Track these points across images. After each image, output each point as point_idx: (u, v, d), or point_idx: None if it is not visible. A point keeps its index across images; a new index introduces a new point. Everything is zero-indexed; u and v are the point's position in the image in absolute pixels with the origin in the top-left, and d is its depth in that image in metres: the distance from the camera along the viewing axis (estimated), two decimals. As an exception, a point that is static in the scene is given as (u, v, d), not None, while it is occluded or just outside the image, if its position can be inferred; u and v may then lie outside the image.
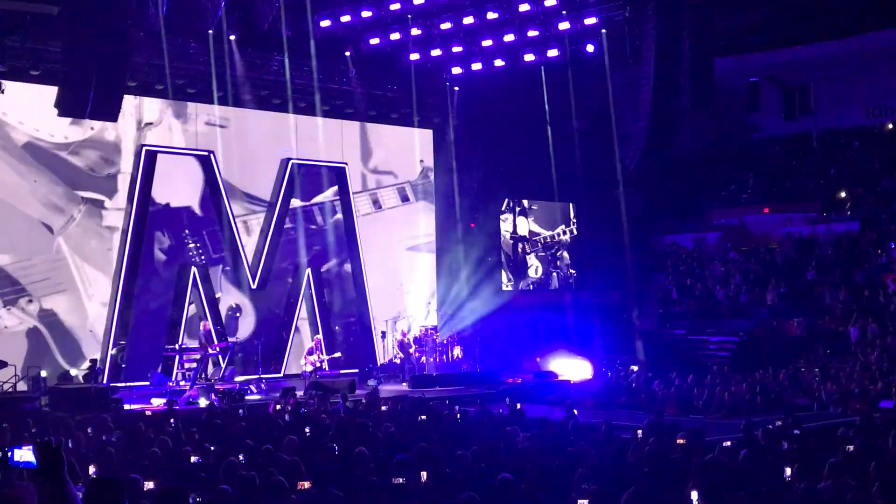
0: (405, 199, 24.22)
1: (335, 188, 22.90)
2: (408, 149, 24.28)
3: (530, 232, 25.62)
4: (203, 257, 20.99)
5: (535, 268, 25.60)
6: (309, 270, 22.25)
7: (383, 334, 22.70)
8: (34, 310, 18.82)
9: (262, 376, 19.59)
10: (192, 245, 20.88)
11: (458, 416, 13.05)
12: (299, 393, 17.04)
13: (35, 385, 17.39)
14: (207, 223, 21.11)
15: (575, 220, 26.12)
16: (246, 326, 21.53)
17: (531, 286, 25.57)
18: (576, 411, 13.34)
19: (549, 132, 24.07)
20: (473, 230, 24.72)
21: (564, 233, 26.07)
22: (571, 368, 22.04)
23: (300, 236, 22.34)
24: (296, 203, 22.25)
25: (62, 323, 19.14)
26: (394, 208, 24.03)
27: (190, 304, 20.38)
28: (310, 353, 19.89)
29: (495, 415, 13.36)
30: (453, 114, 23.97)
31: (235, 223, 21.23)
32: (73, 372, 18.64)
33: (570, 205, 26.01)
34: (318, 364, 19.68)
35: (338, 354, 20.86)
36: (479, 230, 24.77)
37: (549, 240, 25.90)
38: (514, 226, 25.26)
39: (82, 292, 19.43)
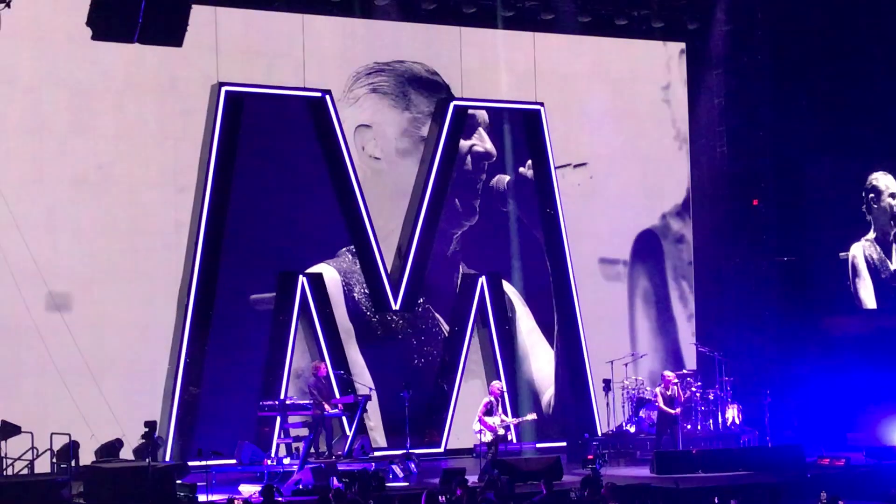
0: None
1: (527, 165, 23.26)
2: (639, 80, 24.51)
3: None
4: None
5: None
6: (483, 280, 22.46)
7: (607, 384, 22.67)
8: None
9: (412, 451, 19.94)
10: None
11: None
12: (471, 478, 17.05)
13: (63, 462, 17.87)
14: (318, 208, 21.65)
15: None
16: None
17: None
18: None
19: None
20: (757, 210, 24.34)
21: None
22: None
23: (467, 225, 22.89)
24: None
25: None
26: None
27: (295, 337, 20.78)
28: (487, 411, 19.76)
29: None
30: (723, 13, 23.72)
31: (364, 201, 21.60)
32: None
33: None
34: (500, 432, 19.68)
35: (531, 416, 20.90)
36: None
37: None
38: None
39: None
